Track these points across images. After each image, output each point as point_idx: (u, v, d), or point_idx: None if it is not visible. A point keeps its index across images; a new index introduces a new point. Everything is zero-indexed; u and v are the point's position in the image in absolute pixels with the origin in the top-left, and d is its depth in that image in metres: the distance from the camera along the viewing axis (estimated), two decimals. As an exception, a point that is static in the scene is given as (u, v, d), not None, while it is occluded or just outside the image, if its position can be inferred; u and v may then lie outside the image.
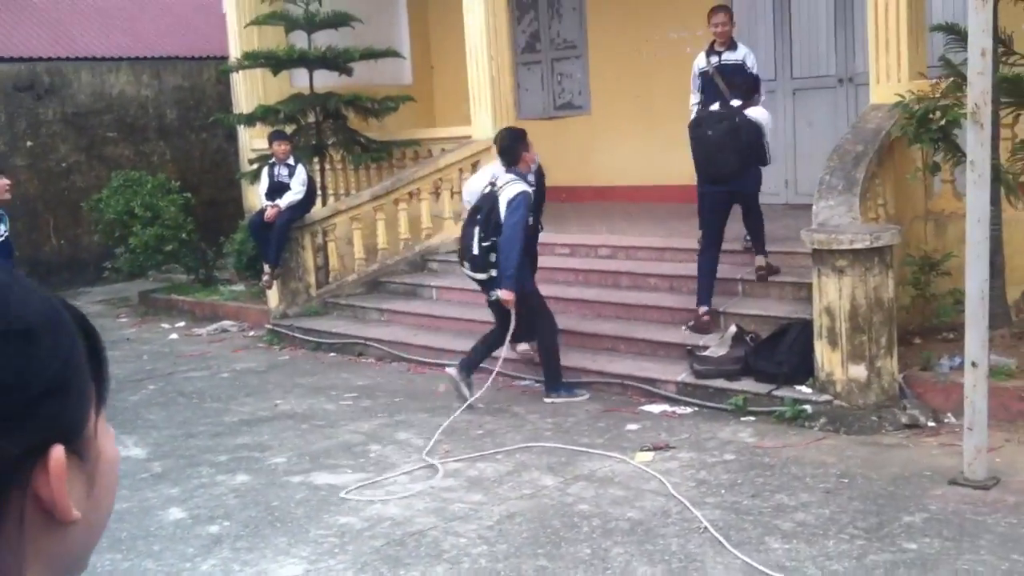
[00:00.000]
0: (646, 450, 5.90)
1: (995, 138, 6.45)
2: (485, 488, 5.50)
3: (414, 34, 14.43)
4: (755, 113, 7.39)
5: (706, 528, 4.74)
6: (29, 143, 13.65)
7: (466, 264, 7.06)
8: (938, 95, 6.88)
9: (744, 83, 7.70)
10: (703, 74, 7.89)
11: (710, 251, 7.40)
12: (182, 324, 10.86)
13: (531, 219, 7.03)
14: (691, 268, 8.17)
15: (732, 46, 7.85)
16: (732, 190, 7.30)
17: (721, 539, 4.61)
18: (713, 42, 7.92)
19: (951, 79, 6.60)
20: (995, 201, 6.52)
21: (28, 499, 0.72)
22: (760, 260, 7.58)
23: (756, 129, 7.27)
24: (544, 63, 13.60)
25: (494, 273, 6.87)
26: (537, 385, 7.51)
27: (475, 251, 6.90)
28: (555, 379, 7.12)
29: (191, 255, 12.09)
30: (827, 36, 10.69)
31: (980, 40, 5.07)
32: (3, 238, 6.77)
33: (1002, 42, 6.76)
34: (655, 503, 5.13)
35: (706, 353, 6.91)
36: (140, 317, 11.54)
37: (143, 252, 11.60)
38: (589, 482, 5.48)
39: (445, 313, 8.71)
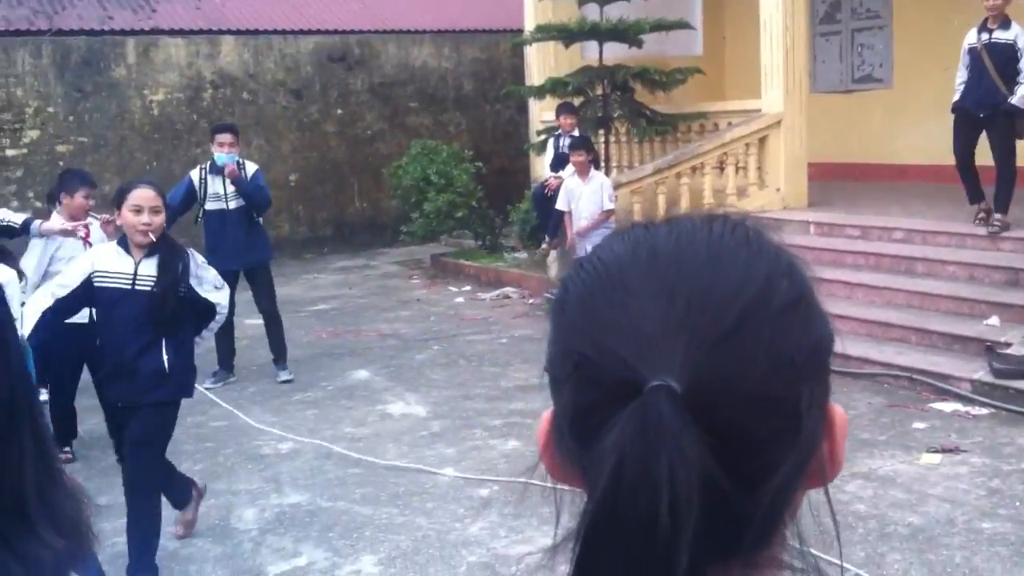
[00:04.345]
0: (933, 451, 5.52)
1: None
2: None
3: (707, 4, 14.11)
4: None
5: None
6: (339, 111, 14.63)
7: None
8: None
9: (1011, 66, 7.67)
10: (971, 51, 7.84)
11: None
12: (468, 288, 11.30)
13: None
14: (994, 257, 7.56)
15: (1005, 24, 7.69)
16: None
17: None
18: (986, 19, 7.79)
19: None
20: None
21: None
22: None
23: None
24: (843, 34, 12.93)
25: None
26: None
27: None
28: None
29: (479, 222, 12.54)
30: None
31: None
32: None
33: None
34: (940, 510, 4.79)
35: (1008, 351, 6.36)
36: (430, 279, 12.11)
37: (436, 217, 12.16)
38: (868, 481, 5.20)
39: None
